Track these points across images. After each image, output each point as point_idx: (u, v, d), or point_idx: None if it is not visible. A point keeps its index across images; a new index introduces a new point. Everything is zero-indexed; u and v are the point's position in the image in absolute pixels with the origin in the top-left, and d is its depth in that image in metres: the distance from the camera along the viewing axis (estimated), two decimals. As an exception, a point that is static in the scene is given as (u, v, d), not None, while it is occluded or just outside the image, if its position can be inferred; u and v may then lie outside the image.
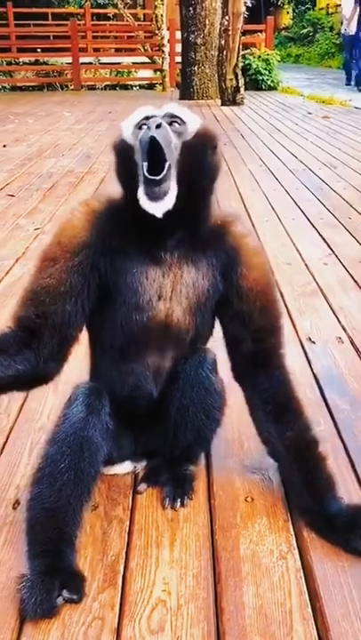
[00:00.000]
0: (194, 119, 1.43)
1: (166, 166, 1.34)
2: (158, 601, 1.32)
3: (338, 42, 22.51)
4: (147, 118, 1.39)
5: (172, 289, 1.46)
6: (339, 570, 1.40)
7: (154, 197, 1.35)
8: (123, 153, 1.41)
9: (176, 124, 1.39)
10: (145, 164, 1.34)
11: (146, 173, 1.34)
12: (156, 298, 1.46)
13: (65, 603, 1.30)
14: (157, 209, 1.36)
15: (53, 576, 1.32)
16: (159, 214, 1.36)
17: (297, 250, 3.58)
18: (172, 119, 1.39)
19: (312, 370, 2.25)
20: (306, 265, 3.35)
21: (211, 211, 1.48)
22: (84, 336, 1.55)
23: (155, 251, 1.44)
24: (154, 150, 1.32)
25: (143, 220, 1.38)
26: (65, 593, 1.31)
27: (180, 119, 1.40)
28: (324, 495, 1.51)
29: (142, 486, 1.65)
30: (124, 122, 1.44)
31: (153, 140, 1.31)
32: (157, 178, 1.33)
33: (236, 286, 1.50)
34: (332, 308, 2.78)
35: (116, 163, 1.45)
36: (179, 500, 1.59)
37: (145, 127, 1.36)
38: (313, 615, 1.29)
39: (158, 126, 1.32)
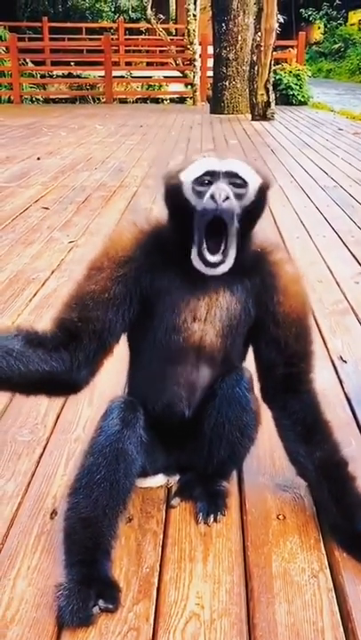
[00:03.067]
0: (255, 178, 1.40)
1: (225, 247, 1.39)
2: (192, 614, 1.35)
3: (369, 57, 22.48)
4: (209, 175, 1.36)
5: (206, 311, 1.50)
6: (370, 590, 1.41)
7: (209, 265, 1.40)
8: (177, 203, 1.40)
9: (238, 187, 1.37)
10: (204, 242, 1.38)
11: (206, 254, 1.38)
12: (191, 319, 1.50)
13: (101, 612, 1.34)
14: (211, 272, 1.41)
15: (89, 585, 1.35)
16: (212, 274, 1.41)
17: (328, 267, 3.60)
18: (234, 180, 1.37)
19: (343, 389, 2.26)
20: (337, 283, 3.36)
21: (252, 241, 1.51)
22: (119, 351, 1.59)
23: (194, 276, 1.47)
24: (215, 228, 1.37)
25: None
26: (101, 602, 1.34)
27: (243, 180, 1.38)
28: (355, 514, 1.53)
29: (176, 500, 1.68)
30: (183, 170, 1.38)
31: (218, 219, 1.35)
32: (215, 261, 1.39)
33: (272, 312, 1.54)
34: (363, 328, 2.79)
35: (167, 205, 1.45)
36: (212, 515, 1.62)
37: (207, 186, 1.34)
38: (345, 636, 1.30)
39: (224, 198, 1.32)
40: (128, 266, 1.46)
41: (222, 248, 1.39)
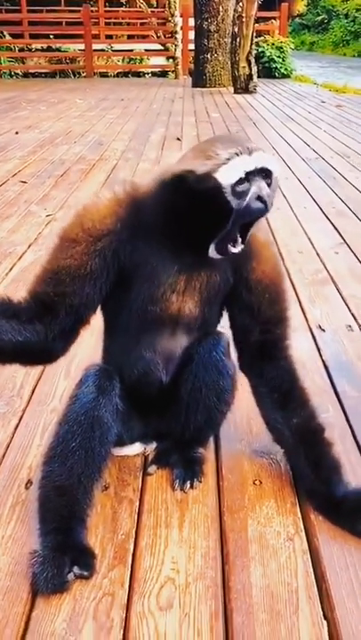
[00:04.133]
0: (277, 168, 1.39)
1: (247, 237, 1.40)
2: (167, 579, 1.35)
3: (353, 29, 22.33)
4: (247, 175, 1.32)
5: (186, 284, 1.48)
6: (345, 552, 1.42)
7: (224, 252, 1.40)
8: (212, 204, 1.33)
9: (267, 179, 1.36)
10: (236, 237, 1.38)
11: (230, 247, 1.38)
12: (170, 291, 1.47)
13: (76, 579, 1.33)
14: (222, 256, 1.41)
15: (64, 552, 1.35)
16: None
17: (308, 238, 3.58)
18: (266, 175, 1.35)
19: (321, 357, 2.26)
20: (317, 253, 3.35)
21: None
22: (96, 323, 1.57)
23: (174, 248, 1.44)
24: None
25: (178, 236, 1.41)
26: (75, 569, 1.34)
27: (272, 174, 1.37)
28: (331, 479, 1.53)
29: (152, 468, 1.68)
30: (216, 170, 1.30)
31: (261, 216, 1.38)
32: (237, 252, 1.39)
33: (245, 279, 1.52)
34: (342, 297, 2.79)
35: (190, 204, 1.35)
36: (188, 481, 1.62)
37: (244, 185, 1.32)
38: (319, 595, 1.31)
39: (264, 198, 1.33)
40: (106, 239, 1.41)
41: (244, 239, 1.40)
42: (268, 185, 1.36)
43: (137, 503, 1.56)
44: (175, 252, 1.44)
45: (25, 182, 4.86)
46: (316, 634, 1.23)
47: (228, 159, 1.31)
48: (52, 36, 15.13)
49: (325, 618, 1.27)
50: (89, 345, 2.14)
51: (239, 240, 1.39)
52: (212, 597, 1.31)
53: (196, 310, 1.52)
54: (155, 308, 1.48)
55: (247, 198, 1.32)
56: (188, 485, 1.61)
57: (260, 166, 1.33)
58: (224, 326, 1.63)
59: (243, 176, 1.31)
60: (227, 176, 1.30)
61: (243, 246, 1.41)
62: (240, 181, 1.31)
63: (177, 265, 1.46)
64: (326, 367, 2.19)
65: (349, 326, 2.50)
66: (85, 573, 1.34)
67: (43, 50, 15.12)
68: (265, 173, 1.35)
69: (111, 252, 1.42)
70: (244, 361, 1.61)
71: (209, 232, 1.38)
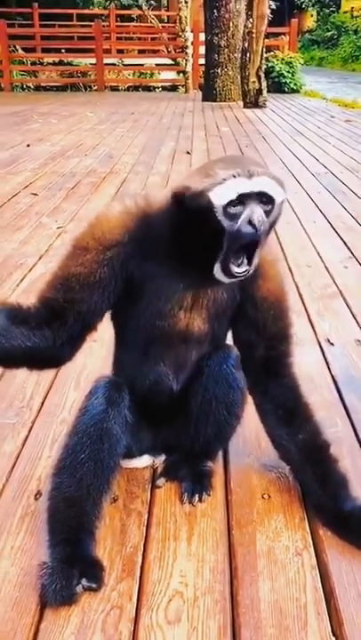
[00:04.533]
0: (280, 193, 1.36)
1: (252, 259, 1.38)
2: (175, 592, 1.35)
3: (362, 45, 22.39)
4: (241, 197, 1.30)
5: (193, 301, 1.49)
6: (354, 568, 1.41)
7: (231, 276, 1.39)
8: (205, 223, 1.33)
9: (267, 205, 1.34)
10: (233, 258, 1.36)
11: (233, 268, 1.37)
12: (178, 308, 1.48)
13: (84, 591, 1.33)
14: (231, 280, 1.41)
15: (73, 564, 1.35)
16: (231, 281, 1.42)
17: (317, 252, 3.59)
18: (264, 198, 1.33)
19: (330, 371, 2.26)
20: (326, 267, 3.35)
21: None
22: (106, 334, 1.58)
23: (180, 267, 1.44)
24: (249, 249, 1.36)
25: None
26: (84, 581, 1.34)
27: (273, 200, 1.35)
28: (338, 495, 1.53)
29: (161, 480, 1.68)
30: (211, 189, 1.29)
31: (255, 245, 1.36)
32: (241, 272, 1.38)
33: (251, 296, 1.54)
34: (351, 311, 2.79)
35: (187, 222, 1.35)
36: (197, 495, 1.62)
37: (238, 207, 1.31)
38: (327, 611, 1.31)
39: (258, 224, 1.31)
40: (115, 249, 1.43)
41: (250, 261, 1.38)
42: (269, 211, 1.34)
43: (146, 516, 1.57)
44: (181, 270, 1.45)
45: (36, 194, 4.90)
46: (325, 650, 1.23)
47: (225, 179, 1.30)
48: (63, 50, 15.31)
49: (334, 634, 1.26)
50: (99, 356, 2.16)
51: (244, 261, 1.38)
52: (220, 612, 1.31)
53: (204, 327, 1.53)
54: (163, 324, 1.49)
55: (239, 221, 1.31)
56: (197, 499, 1.61)
57: (257, 190, 1.31)
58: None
59: (234, 198, 1.30)
60: (219, 196, 1.30)
61: (249, 268, 1.39)
62: (232, 203, 1.30)
63: (183, 282, 1.46)
64: (335, 381, 2.19)
65: (358, 340, 2.50)
66: (94, 586, 1.34)
67: (54, 64, 15.30)
68: (265, 198, 1.33)
69: (119, 263, 1.43)
70: (249, 378, 1.61)
71: (208, 252, 1.37)
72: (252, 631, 1.26)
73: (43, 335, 1.43)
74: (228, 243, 1.34)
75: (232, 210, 1.31)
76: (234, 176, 1.30)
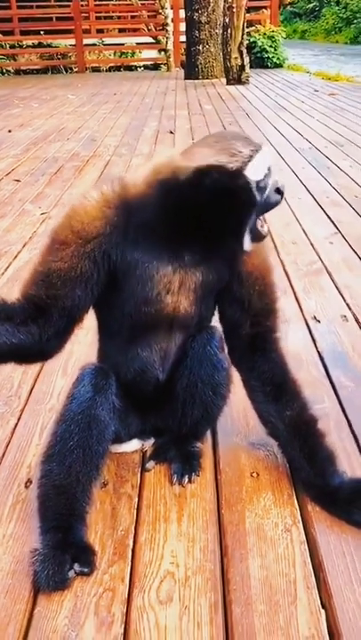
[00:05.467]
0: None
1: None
2: (167, 573, 1.37)
3: (345, 16, 22.20)
4: (268, 170, 1.40)
5: (180, 284, 1.48)
6: (342, 541, 1.43)
7: (258, 239, 1.47)
8: (238, 199, 1.37)
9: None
10: (260, 222, 1.44)
11: (261, 230, 1.45)
12: (165, 292, 1.48)
13: (76, 575, 1.35)
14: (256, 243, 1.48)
15: (65, 550, 1.36)
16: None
17: (303, 229, 3.59)
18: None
19: (317, 348, 2.28)
20: (311, 244, 3.35)
21: None
22: (92, 321, 1.58)
23: (168, 248, 1.44)
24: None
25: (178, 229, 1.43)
26: (76, 566, 1.36)
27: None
28: (326, 470, 1.54)
29: (150, 464, 1.69)
30: (248, 164, 1.34)
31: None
32: (267, 234, 1.48)
33: (238, 272, 1.54)
34: (337, 287, 2.80)
35: (214, 201, 1.36)
36: (186, 476, 1.63)
37: (265, 179, 1.38)
38: (316, 584, 1.33)
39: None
40: (96, 241, 1.41)
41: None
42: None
43: (136, 499, 1.58)
44: (173, 252, 1.44)
45: (19, 181, 4.86)
46: (315, 622, 1.25)
47: (251, 156, 1.36)
48: (42, 32, 15.06)
49: (323, 606, 1.28)
50: (85, 343, 2.15)
51: (264, 222, 1.46)
52: (211, 590, 1.33)
53: (191, 309, 1.52)
54: (149, 309, 1.48)
55: (267, 191, 1.38)
56: (187, 480, 1.63)
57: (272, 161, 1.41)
58: (215, 321, 1.64)
59: (267, 172, 1.38)
60: (254, 173, 1.36)
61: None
62: (263, 176, 1.38)
63: (172, 265, 1.45)
64: (322, 358, 2.21)
65: (344, 316, 2.51)
66: (86, 570, 1.36)
67: (34, 46, 15.06)
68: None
69: (102, 254, 1.42)
70: (236, 355, 1.62)
71: (236, 225, 1.41)
72: (242, 607, 1.28)
73: (28, 331, 1.42)
74: (259, 211, 1.41)
75: (262, 183, 1.38)
76: (256, 151, 1.37)
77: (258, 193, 1.37)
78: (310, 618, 1.26)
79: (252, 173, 1.35)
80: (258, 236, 1.45)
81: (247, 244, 1.43)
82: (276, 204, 1.44)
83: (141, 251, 1.43)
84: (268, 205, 1.43)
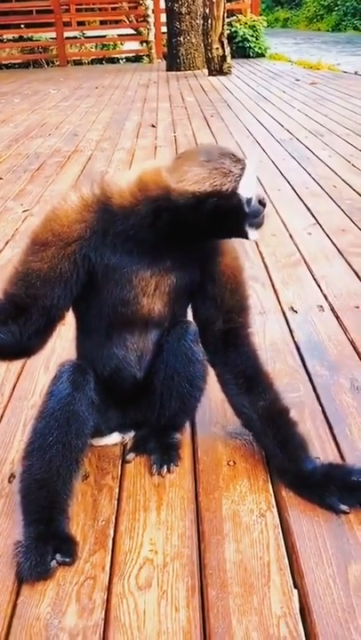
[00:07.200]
0: None
1: None
2: (146, 560, 1.42)
3: (326, 3, 22.15)
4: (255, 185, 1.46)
5: (155, 287, 1.53)
6: (314, 524, 1.49)
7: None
8: (230, 213, 1.43)
9: None
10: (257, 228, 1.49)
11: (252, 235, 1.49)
12: (141, 295, 1.52)
13: (58, 565, 1.40)
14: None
15: (46, 541, 1.41)
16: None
17: (282, 221, 3.63)
18: None
19: (293, 338, 2.33)
20: (290, 235, 3.40)
21: None
22: (73, 317, 1.62)
23: (149, 255, 1.49)
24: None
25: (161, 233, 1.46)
26: (58, 556, 1.40)
27: None
28: (299, 456, 1.60)
29: (130, 455, 1.74)
30: (239, 182, 1.40)
31: None
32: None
33: (210, 272, 1.59)
34: (314, 277, 2.85)
35: (208, 216, 1.42)
36: (165, 466, 1.68)
37: (254, 197, 1.43)
38: (289, 566, 1.39)
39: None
40: (77, 244, 1.45)
41: None
42: None
43: (116, 490, 1.63)
44: (154, 259, 1.49)
45: (1, 178, 4.87)
46: (287, 601, 1.30)
47: (241, 174, 1.41)
48: (23, 26, 14.94)
49: (295, 586, 1.34)
50: (67, 339, 2.19)
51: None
52: (188, 575, 1.38)
53: (165, 310, 1.58)
54: (125, 310, 1.53)
55: (252, 203, 1.43)
56: (166, 470, 1.68)
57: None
58: (189, 317, 1.69)
59: (255, 189, 1.43)
60: (246, 190, 1.41)
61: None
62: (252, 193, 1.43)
63: (151, 270, 1.50)
64: (298, 348, 2.26)
65: (321, 306, 2.57)
66: (67, 560, 1.41)
67: (14, 40, 14.94)
68: None
69: (81, 256, 1.46)
70: (210, 351, 1.66)
71: (230, 231, 1.49)
72: (218, 590, 1.34)
73: (9, 330, 1.46)
74: (248, 221, 1.45)
75: (251, 198, 1.43)
76: (243, 168, 1.42)
77: (247, 206, 1.42)
78: (283, 598, 1.31)
79: (245, 192, 1.41)
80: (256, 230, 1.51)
81: (252, 234, 1.49)
82: (260, 213, 1.47)
83: (120, 256, 1.48)
84: (254, 215, 1.46)
